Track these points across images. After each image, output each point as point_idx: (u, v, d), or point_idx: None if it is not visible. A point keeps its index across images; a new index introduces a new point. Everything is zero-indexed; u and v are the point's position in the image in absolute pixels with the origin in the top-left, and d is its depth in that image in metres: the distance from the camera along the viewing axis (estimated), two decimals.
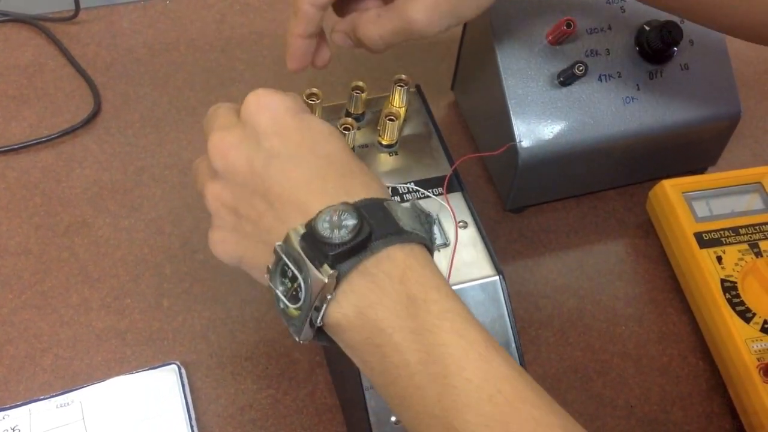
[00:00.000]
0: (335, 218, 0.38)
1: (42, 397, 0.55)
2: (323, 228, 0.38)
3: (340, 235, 0.37)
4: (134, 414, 0.55)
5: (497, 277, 0.51)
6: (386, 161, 0.55)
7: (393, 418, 0.49)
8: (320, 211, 0.38)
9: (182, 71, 0.75)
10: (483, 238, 0.52)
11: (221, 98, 0.73)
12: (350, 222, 0.38)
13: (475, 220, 0.53)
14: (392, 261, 0.39)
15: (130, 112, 0.72)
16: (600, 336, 0.62)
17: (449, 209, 0.50)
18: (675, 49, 0.64)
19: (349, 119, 0.55)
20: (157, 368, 0.57)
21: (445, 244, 0.51)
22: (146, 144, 0.70)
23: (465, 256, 0.51)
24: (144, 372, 0.57)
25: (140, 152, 0.69)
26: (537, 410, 0.36)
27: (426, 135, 0.57)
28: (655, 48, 0.63)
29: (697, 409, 0.59)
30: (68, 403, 0.55)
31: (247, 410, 0.56)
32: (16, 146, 0.68)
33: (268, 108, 0.43)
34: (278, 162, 0.41)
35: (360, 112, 0.56)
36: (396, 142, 0.56)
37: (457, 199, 0.54)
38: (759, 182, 0.66)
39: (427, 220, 0.42)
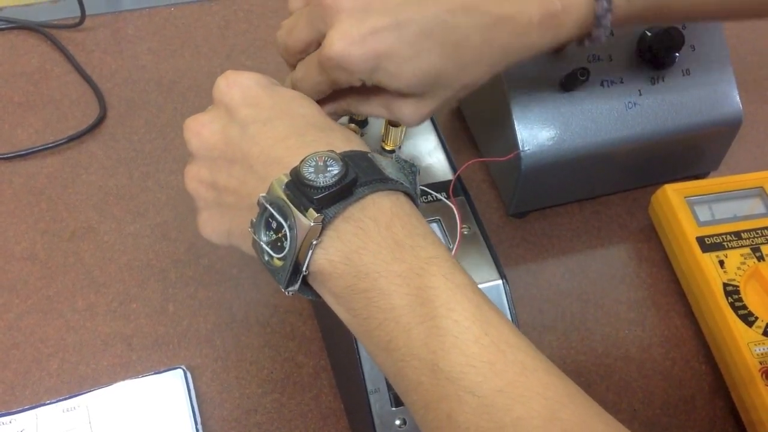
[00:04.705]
0: (320, 163, 0.38)
1: (48, 401, 0.56)
2: (308, 172, 0.38)
3: (324, 179, 0.38)
4: (140, 418, 0.55)
5: (500, 282, 0.51)
6: None
7: (397, 422, 0.49)
8: (305, 157, 0.39)
9: (187, 77, 0.76)
10: (487, 243, 0.52)
11: None
12: (335, 167, 0.38)
13: (478, 224, 0.53)
14: (378, 207, 0.39)
15: (135, 118, 0.73)
16: (603, 340, 0.63)
17: (456, 213, 0.51)
18: (676, 54, 0.64)
19: (353, 125, 0.56)
20: (163, 373, 0.57)
21: (449, 249, 0.51)
22: (151, 150, 0.70)
23: (468, 260, 0.51)
24: (150, 376, 0.57)
25: (145, 158, 0.70)
26: (523, 354, 0.37)
27: (429, 140, 0.57)
28: (657, 53, 0.63)
29: (700, 413, 0.60)
30: (74, 408, 0.55)
31: (252, 414, 0.57)
32: (22, 152, 0.69)
33: (237, 83, 0.44)
34: (254, 127, 0.42)
35: (363, 117, 0.57)
36: (399, 148, 0.56)
37: (460, 204, 0.54)
38: (761, 187, 0.67)
39: (411, 171, 0.43)
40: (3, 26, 0.78)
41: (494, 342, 0.36)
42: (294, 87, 0.48)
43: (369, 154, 0.41)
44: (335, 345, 0.56)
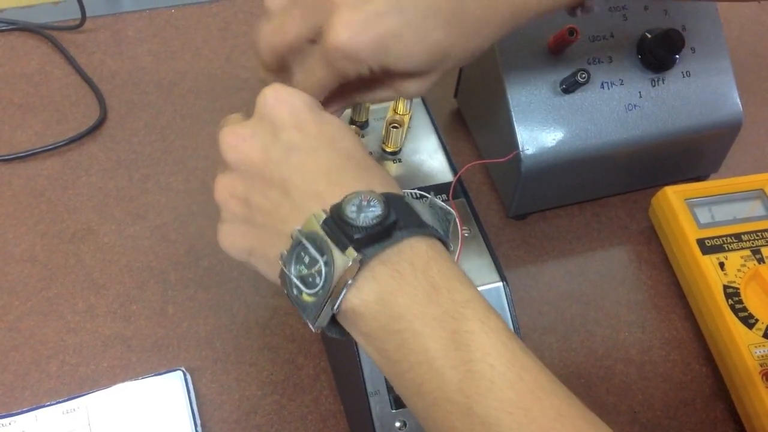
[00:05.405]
0: (363, 203, 0.38)
1: (48, 403, 0.56)
2: (350, 210, 0.38)
3: (365, 219, 0.38)
4: (140, 420, 0.55)
5: (501, 284, 0.51)
6: (390, 169, 0.56)
7: (397, 424, 0.49)
8: (347, 195, 0.39)
9: (187, 79, 0.76)
10: (487, 245, 0.52)
11: (226, 106, 0.74)
12: (377, 208, 0.38)
13: (478, 227, 0.53)
14: (415, 252, 0.39)
15: (135, 119, 0.73)
16: (603, 342, 0.62)
17: (456, 216, 0.51)
18: (677, 56, 0.64)
19: (354, 127, 0.56)
20: (163, 374, 0.57)
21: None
22: (151, 151, 0.70)
23: (469, 263, 0.51)
24: (149, 378, 0.57)
25: (145, 160, 0.70)
26: (558, 400, 0.36)
27: (429, 142, 0.57)
28: (657, 55, 0.63)
29: (701, 415, 0.60)
30: (74, 409, 0.55)
31: (252, 416, 0.57)
32: (22, 154, 0.69)
33: (286, 101, 0.43)
34: (297, 154, 0.41)
35: (364, 119, 0.57)
36: (400, 150, 0.56)
37: (460, 206, 0.54)
38: (761, 189, 0.67)
39: (446, 218, 0.43)
40: (3, 28, 0.78)
41: (530, 388, 0.36)
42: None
43: (406, 198, 0.41)
44: (335, 347, 0.56)
